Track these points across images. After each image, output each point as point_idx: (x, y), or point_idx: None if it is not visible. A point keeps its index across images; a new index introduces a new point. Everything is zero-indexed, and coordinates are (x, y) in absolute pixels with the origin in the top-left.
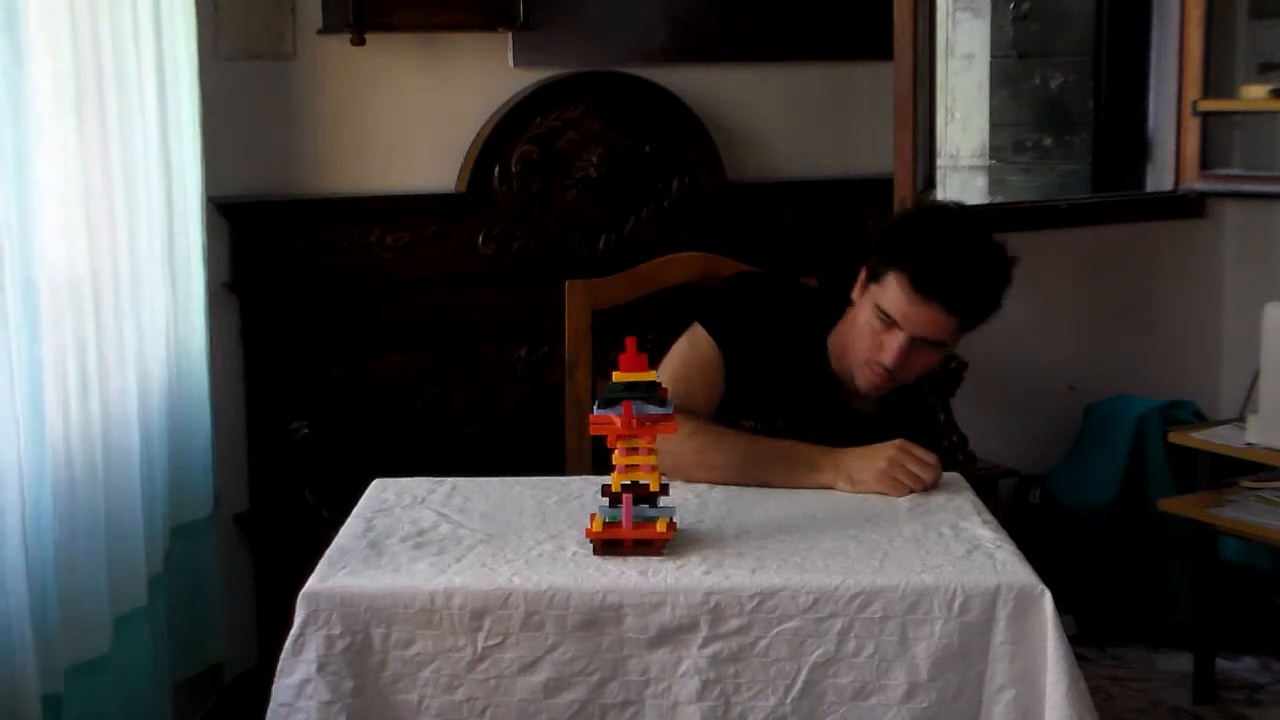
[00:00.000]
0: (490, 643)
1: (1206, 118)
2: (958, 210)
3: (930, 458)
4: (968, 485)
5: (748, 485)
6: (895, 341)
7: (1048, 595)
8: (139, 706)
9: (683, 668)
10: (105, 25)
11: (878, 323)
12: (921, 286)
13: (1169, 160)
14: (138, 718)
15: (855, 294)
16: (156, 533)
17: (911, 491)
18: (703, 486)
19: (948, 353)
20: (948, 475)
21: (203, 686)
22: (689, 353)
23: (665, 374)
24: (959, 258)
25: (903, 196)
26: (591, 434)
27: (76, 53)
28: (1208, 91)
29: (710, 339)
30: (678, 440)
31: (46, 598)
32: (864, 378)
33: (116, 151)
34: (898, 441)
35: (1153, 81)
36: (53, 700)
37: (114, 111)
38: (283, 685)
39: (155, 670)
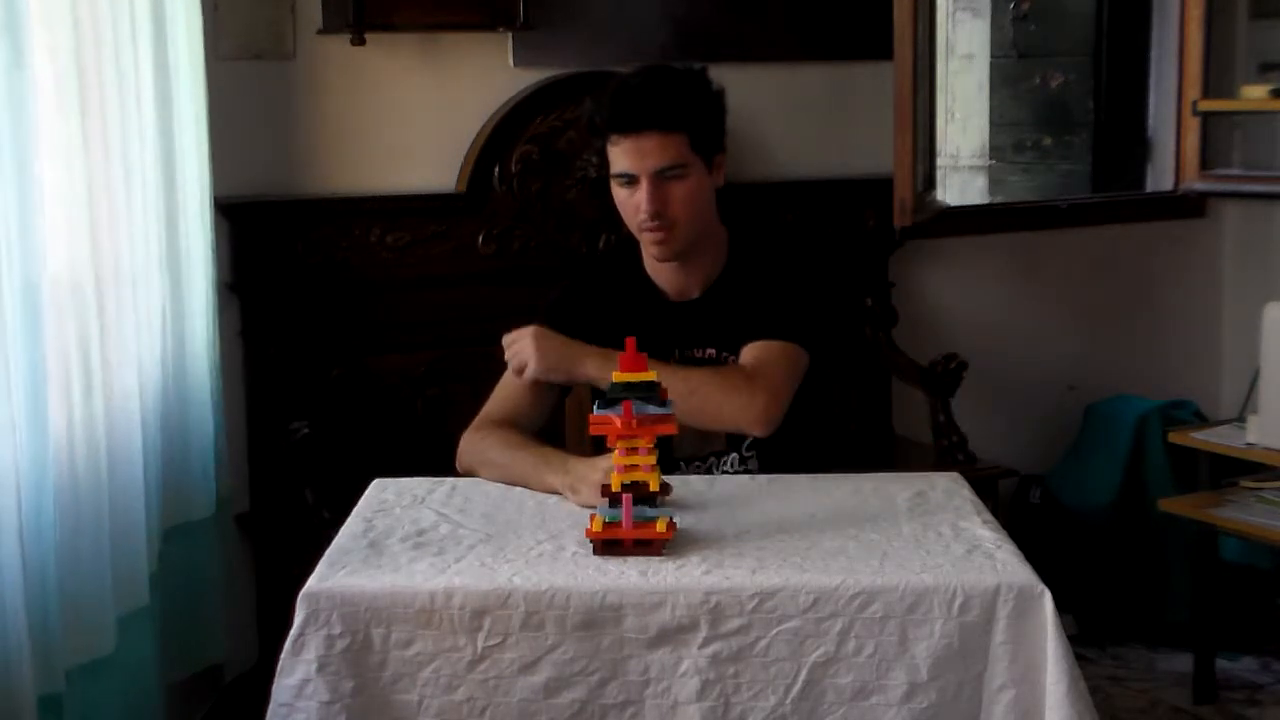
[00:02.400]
0: (490, 643)
1: (1206, 118)
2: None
3: None
4: (968, 485)
5: (517, 485)
6: (642, 190)
7: (1048, 595)
8: (138, 706)
9: (683, 668)
10: (105, 26)
11: (624, 191)
12: (616, 127)
13: (1169, 160)
14: (136, 718)
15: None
16: (152, 533)
17: None
18: (703, 486)
19: (709, 172)
20: (948, 475)
21: (202, 686)
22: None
23: (496, 390)
24: (631, 84)
25: (903, 196)
26: (591, 434)
27: (78, 53)
28: (1208, 91)
29: None
30: (478, 439)
31: (47, 598)
32: (649, 244)
33: (117, 152)
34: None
35: (1153, 81)
36: (52, 700)
37: (114, 112)
38: (283, 685)
39: (154, 670)
